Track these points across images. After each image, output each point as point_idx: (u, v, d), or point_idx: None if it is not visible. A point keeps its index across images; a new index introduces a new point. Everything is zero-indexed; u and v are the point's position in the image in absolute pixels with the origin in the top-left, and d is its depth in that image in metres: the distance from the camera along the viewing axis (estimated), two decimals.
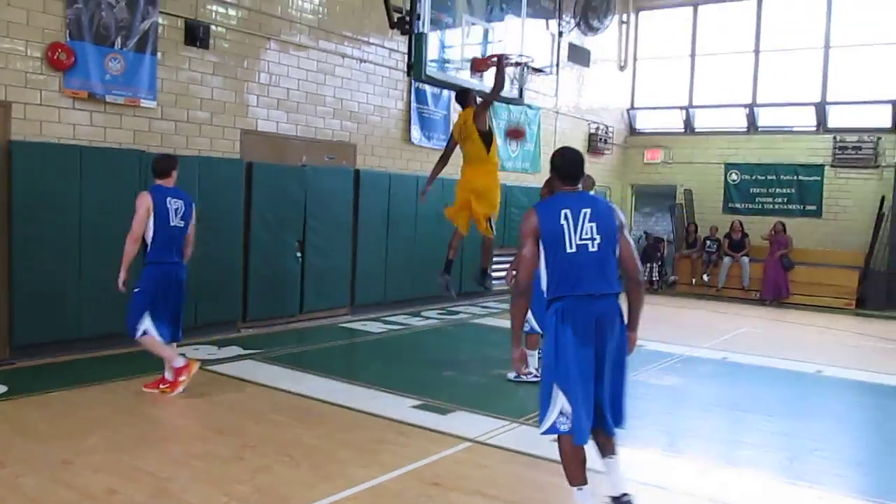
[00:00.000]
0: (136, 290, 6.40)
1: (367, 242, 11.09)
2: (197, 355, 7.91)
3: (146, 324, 6.36)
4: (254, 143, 9.55)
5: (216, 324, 9.07)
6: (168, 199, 6.42)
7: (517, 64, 9.14)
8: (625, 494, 4.08)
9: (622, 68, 18.15)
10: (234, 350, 8.33)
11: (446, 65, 8.65)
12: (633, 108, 18.55)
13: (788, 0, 16.55)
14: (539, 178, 15.05)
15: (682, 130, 17.89)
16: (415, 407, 6.37)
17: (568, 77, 15.88)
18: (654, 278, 16.42)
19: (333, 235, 10.50)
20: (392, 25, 8.32)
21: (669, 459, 5.52)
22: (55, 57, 7.57)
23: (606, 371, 3.91)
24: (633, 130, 18.59)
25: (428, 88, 11.90)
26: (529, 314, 6.34)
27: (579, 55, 16.17)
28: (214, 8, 9.04)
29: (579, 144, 16.64)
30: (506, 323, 9.60)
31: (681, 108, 17.83)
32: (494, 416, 6.16)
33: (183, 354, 6.67)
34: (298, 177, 9.96)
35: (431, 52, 8.01)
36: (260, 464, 4.88)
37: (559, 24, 15.04)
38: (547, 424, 3.95)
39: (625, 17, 17.95)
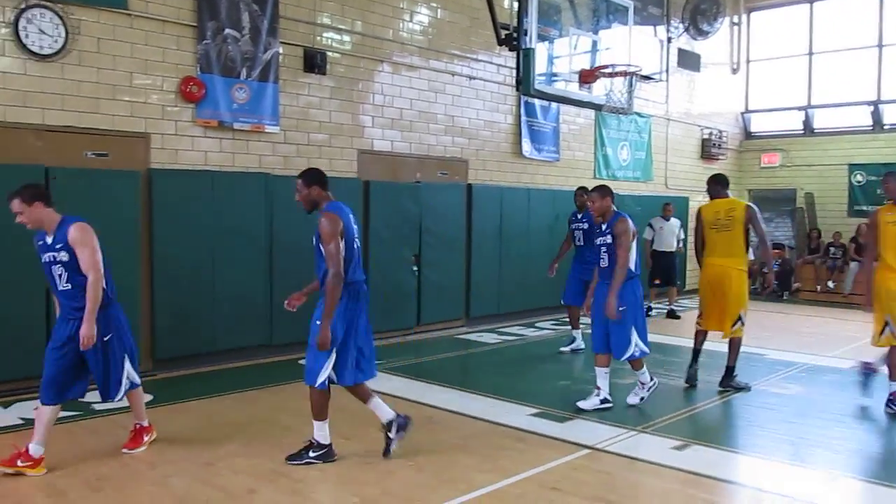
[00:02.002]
0: (108, 336, 5.17)
1: (481, 255, 11.29)
2: None
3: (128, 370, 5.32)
4: (370, 163, 9.94)
5: None
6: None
7: (625, 73, 9.16)
8: None
9: (735, 71, 17.73)
10: None
11: (554, 78, 8.79)
12: (747, 111, 18.09)
13: None
14: (651, 187, 14.92)
15: (801, 132, 17.32)
16: (533, 415, 6.49)
17: (678, 83, 15.71)
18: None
19: (448, 249, 10.76)
20: (500, 42, 8.53)
21: (793, 469, 5.42)
22: (188, 90, 8.15)
23: None
24: (748, 134, 18.12)
25: (537, 102, 12.03)
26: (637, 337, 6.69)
27: (689, 60, 15.95)
28: (330, 35, 9.49)
29: (691, 151, 16.39)
30: None
31: (799, 108, 17.28)
32: (612, 424, 6.20)
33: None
34: (413, 193, 10.28)
35: (539, 66, 8.19)
36: (386, 468, 5.12)
37: (668, 30, 14.96)
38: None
39: (735, 19, 17.56)
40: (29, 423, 6.12)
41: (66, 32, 7.34)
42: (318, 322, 5.05)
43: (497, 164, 11.86)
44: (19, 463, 4.91)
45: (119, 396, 5.28)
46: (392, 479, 4.91)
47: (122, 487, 4.75)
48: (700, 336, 7.75)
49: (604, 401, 6.63)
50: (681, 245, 12.85)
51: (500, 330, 11.10)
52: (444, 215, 10.66)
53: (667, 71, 14.85)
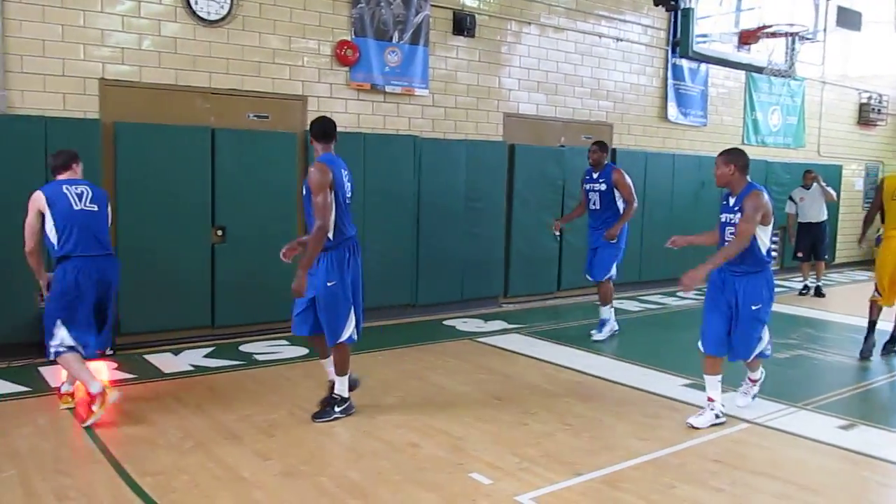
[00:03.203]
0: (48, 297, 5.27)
1: None
2: (465, 328, 8.45)
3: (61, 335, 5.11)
4: (515, 126, 9.91)
5: (480, 299, 9.57)
6: (63, 187, 5.22)
7: (788, 34, 8.69)
8: None
9: None
10: (499, 324, 8.75)
11: (711, 39, 8.45)
12: None
13: None
14: (802, 154, 14.20)
15: None
16: (686, 385, 6.37)
17: (835, 43, 14.76)
18: None
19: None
20: (656, 3, 8.27)
21: None
22: (342, 53, 8.34)
23: None
24: None
25: (685, 64, 11.62)
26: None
27: (849, 19, 14.93)
28: None
29: (847, 116, 15.44)
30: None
31: None
32: (770, 399, 6.00)
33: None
34: (557, 157, 10.19)
35: (698, 26, 7.87)
36: (542, 430, 5.17)
37: None
38: None
39: None
40: (199, 371, 6.53)
41: None
42: (327, 283, 5.08)
43: (642, 129, 11.56)
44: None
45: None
46: (550, 442, 4.94)
47: (291, 434, 5.00)
48: (876, 308, 7.40)
49: (718, 415, 5.38)
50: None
51: (642, 298, 10.92)
52: None
53: (824, 30, 13.97)
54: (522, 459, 4.61)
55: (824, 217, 11.74)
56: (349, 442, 4.90)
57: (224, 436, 4.93)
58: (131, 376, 6.27)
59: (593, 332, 8.17)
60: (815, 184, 11.63)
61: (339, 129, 8.30)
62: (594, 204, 8.12)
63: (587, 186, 8.17)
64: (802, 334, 8.69)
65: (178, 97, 7.46)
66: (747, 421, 5.48)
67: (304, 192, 5.17)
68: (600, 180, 8.00)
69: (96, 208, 5.27)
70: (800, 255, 11.79)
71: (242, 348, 7.29)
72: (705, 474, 4.48)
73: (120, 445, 4.70)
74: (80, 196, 5.22)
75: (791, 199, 11.90)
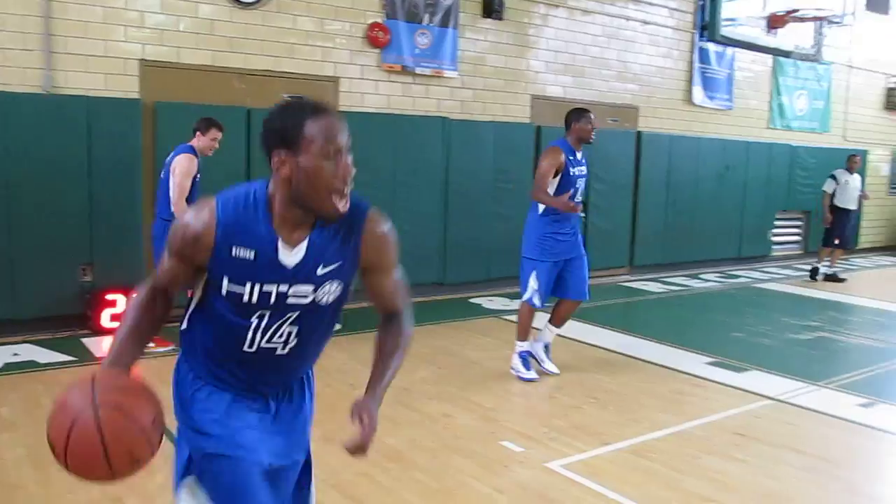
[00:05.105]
0: None
1: (647, 204, 11.19)
2: (492, 306, 8.62)
3: None
4: (542, 108, 10.03)
5: (507, 278, 9.71)
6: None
7: (816, 18, 8.74)
8: None
9: None
10: None
11: (739, 23, 8.50)
12: None
13: None
14: (827, 139, 14.19)
15: None
16: (709, 363, 6.52)
17: (863, 27, 14.67)
18: None
19: (615, 197, 10.74)
20: None
21: None
22: (374, 35, 8.48)
23: None
24: None
25: (711, 47, 11.64)
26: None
27: (878, 2, 14.86)
28: None
29: (874, 101, 15.38)
30: (793, 288, 9.44)
31: None
32: (792, 378, 6.15)
33: None
34: None
35: (726, 10, 7.94)
36: (571, 403, 5.35)
37: None
38: None
39: None
40: None
41: None
42: None
43: (667, 112, 11.63)
44: None
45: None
46: (578, 414, 5.12)
47: (326, 402, 5.20)
48: None
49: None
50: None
51: (664, 279, 11.03)
52: (613, 162, 10.61)
53: (853, 14, 13.92)
54: (552, 430, 4.79)
55: (856, 206, 11.64)
56: (385, 411, 5.06)
57: None
58: None
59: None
60: (855, 172, 11.46)
61: (370, 110, 8.56)
62: (579, 195, 6.03)
63: (572, 171, 5.84)
64: (826, 317, 8.79)
65: (215, 78, 7.65)
66: (769, 398, 5.63)
67: None
68: (584, 161, 6.01)
69: (162, 175, 6.18)
70: (837, 241, 11.33)
71: None
72: (729, 447, 4.64)
73: None
74: (166, 164, 6.17)
75: (833, 177, 11.44)
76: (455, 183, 9.10)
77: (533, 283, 5.88)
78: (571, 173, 5.79)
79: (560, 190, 5.76)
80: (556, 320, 6.08)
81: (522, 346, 5.94)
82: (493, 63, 9.55)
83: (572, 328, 7.68)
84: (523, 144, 9.70)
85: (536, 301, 5.86)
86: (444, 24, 8.93)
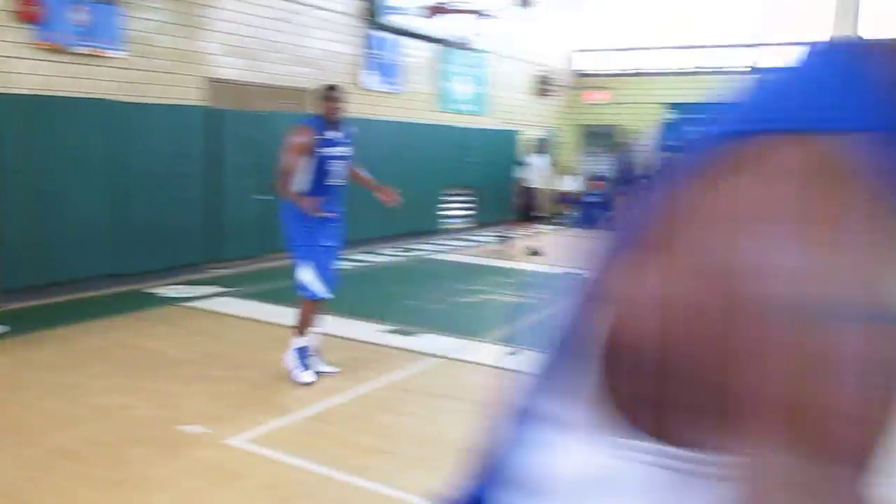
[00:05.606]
0: None
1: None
2: (172, 294, 8.43)
3: None
4: (217, 91, 9.91)
5: (185, 266, 9.54)
6: None
7: (469, 11, 9.61)
8: None
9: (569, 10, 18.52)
10: (208, 289, 8.79)
11: (404, 12, 9.07)
12: (579, 50, 18.97)
13: None
14: (485, 121, 15.61)
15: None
16: (385, 331, 7.02)
17: (513, 20, 16.21)
18: None
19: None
20: None
21: None
22: (25, 9, 7.81)
23: None
24: (578, 73, 19.06)
25: (381, 34, 12.24)
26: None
27: None
28: None
29: (526, 87, 17.16)
30: (463, 258, 10.29)
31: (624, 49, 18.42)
32: (457, 336, 6.85)
33: None
34: (259, 122, 10.31)
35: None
36: (255, 380, 5.49)
37: None
38: None
39: None
40: None
41: None
42: None
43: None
44: None
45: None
46: (263, 390, 5.29)
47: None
48: None
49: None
50: None
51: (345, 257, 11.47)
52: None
53: (502, 8, 15.35)
54: (237, 408, 4.91)
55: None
56: (52, 410, 4.85)
57: None
58: None
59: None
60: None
61: (24, 91, 7.88)
62: (338, 177, 5.58)
63: (325, 152, 5.38)
64: (491, 282, 9.79)
65: None
66: (437, 356, 6.25)
67: None
68: (344, 141, 5.57)
69: None
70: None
71: None
72: (397, 403, 5.12)
73: None
74: None
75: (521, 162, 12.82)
76: (122, 168, 8.67)
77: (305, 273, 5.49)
78: (322, 154, 5.34)
79: (315, 172, 5.36)
80: None
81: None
82: (163, 43, 9.23)
83: (255, 309, 7.80)
84: (196, 127, 9.52)
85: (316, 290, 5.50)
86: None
